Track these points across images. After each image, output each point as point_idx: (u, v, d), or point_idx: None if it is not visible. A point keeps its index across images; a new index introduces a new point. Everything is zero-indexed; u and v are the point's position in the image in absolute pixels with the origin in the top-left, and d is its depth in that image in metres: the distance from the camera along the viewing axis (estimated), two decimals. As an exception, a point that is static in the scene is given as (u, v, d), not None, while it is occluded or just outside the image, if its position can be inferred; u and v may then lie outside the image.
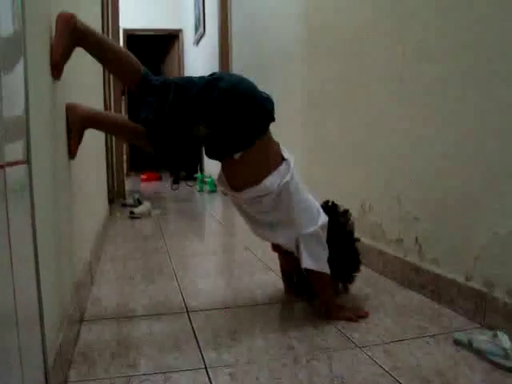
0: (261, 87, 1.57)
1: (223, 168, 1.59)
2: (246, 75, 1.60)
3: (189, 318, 1.65)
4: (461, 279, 1.65)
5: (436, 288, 1.76)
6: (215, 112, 1.43)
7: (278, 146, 1.61)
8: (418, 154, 1.88)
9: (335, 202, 1.78)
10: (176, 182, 7.56)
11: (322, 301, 1.66)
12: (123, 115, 1.76)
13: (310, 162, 3.00)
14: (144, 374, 1.25)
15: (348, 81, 2.46)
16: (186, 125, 1.43)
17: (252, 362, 1.31)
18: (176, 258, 2.50)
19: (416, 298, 1.81)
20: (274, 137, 1.60)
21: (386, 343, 1.42)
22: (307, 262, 1.56)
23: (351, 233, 1.77)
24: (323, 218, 1.61)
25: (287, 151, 1.63)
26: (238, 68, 4.86)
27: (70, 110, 1.51)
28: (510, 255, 1.45)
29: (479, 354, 1.32)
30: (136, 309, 1.74)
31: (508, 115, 1.44)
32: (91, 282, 2.01)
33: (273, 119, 1.53)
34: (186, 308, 1.74)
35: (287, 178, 1.54)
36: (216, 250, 2.78)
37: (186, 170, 6.62)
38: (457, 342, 1.41)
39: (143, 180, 7.50)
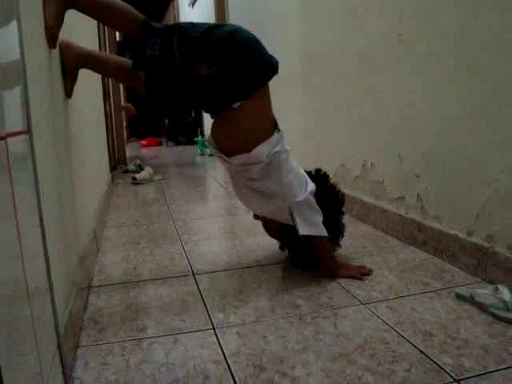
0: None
1: (215, 128, 1.55)
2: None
3: (195, 280, 1.68)
4: (463, 235, 1.66)
5: (438, 244, 1.78)
6: (218, 50, 1.37)
7: (274, 117, 1.57)
8: (419, 113, 1.87)
9: (326, 172, 1.77)
10: (172, 139, 7.56)
11: (324, 263, 1.68)
12: (118, 56, 1.71)
13: (311, 123, 2.99)
14: (153, 337, 1.28)
15: (346, 41, 2.43)
16: (189, 64, 1.38)
17: (258, 321, 1.34)
18: (180, 222, 2.52)
19: (418, 255, 1.83)
20: (273, 101, 1.55)
21: (390, 299, 1.45)
22: (304, 229, 1.56)
23: (341, 204, 1.77)
24: (311, 186, 1.61)
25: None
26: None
27: (64, 47, 1.48)
28: (510, 211, 1.46)
29: (481, 307, 1.35)
30: (142, 273, 1.77)
31: (509, 72, 1.43)
32: (97, 249, 2.04)
33: (276, 71, 1.47)
34: (192, 271, 1.77)
35: (278, 148, 1.51)
36: (219, 213, 2.80)
37: (180, 116, 6.56)
38: (459, 297, 1.43)
39: (144, 146, 7.49)
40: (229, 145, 1.53)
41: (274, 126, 1.55)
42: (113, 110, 4.77)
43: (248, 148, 1.48)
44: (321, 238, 1.59)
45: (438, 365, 1.09)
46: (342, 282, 1.60)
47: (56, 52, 1.41)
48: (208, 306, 1.45)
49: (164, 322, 1.36)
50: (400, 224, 2.02)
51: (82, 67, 1.57)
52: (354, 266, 1.71)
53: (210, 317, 1.38)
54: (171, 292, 1.58)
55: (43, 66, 1.21)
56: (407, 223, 1.97)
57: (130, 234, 2.34)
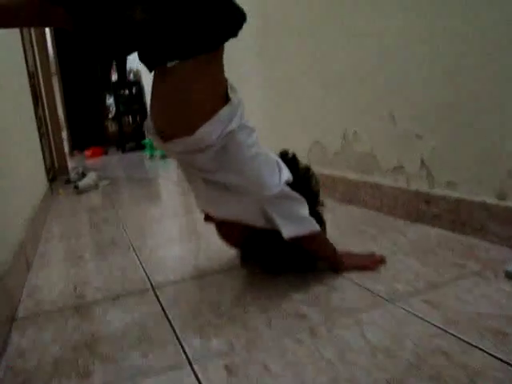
0: None
1: (153, 95, 1.13)
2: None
3: (156, 296, 1.26)
4: (491, 200, 1.32)
5: (457, 216, 1.43)
6: None
7: (227, 82, 1.14)
8: (413, 54, 1.52)
9: (295, 154, 1.34)
10: (118, 146, 7.06)
11: (324, 258, 1.29)
12: None
13: (272, 96, 2.60)
14: (101, 386, 0.86)
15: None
16: (122, 2, 0.97)
17: (252, 344, 0.94)
18: (131, 228, 2.10)
19: (432, 232, 1.49)
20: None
21: (423, 291, 1.08)
22: (289, 230, 1.15)
23: (317, 194, 1.35)
24: (286, 174, 1.20)
25: (236, 90, 1.16)
26: None
27: None
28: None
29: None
30: (85, 294, 1.34)
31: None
32: (26, 267, 1.60)
33: (234, 33, 1.07)
34: (151, 284, 1.35)
35: (233, 125, 1.09)
36: (176, 213, 2.39)
37: (115, 56, 6.06)
38: (510, 276, 1.09)
39: (88, 156, 7.05)
40: (165, 122, 1.12)
41: (223, 99, 1.12)
42: (47, 115, 4.29)
43: (189, 128, 1.07)
44: (312, 234, 1.19)
45: (537, 381, 0.72)
46: (352, 276, 1.21)
47: None
48: (177, 330, 1.04)
49: (117, 360, 0.94)
50: (400, 199, 1.66)
51: None
52: (361, 254, 1.33)
53: (181, 346, 0.97)
54: (125, 315, 1.16)
55: None
56: (410, 197, 1.61)
57: (70, 247, 1.90)
